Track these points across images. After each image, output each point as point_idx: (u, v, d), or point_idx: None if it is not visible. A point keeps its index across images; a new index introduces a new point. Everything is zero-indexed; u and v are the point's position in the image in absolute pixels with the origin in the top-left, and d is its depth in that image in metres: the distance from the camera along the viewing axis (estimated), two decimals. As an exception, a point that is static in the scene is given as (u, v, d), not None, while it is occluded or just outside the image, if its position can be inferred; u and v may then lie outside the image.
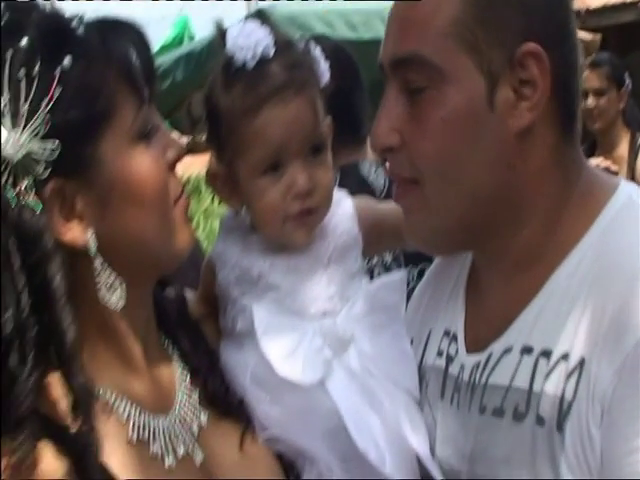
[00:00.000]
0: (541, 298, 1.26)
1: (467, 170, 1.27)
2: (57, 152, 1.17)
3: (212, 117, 1.41)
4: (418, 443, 1.38)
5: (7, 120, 1.15)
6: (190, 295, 1.51)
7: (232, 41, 1.37)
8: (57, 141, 1.17)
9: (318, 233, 1.45)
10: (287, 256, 1.43)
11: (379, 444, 1.35)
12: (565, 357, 1.19)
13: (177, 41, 10.68)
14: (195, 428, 1.33)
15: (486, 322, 1.35)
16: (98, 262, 1.23)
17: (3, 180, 1.16)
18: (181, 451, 1.29)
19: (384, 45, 1.32)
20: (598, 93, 5.10)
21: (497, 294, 1.35)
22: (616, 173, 4.25)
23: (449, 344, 1.41)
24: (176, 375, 1.37)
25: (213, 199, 6.68)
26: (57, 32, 1.20)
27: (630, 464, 1.09)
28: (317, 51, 1.46)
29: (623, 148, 5.09)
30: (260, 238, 1.45)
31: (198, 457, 1.31)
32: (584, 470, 1.14)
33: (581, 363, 1.17)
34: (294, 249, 1.43)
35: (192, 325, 1.44)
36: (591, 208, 1.26)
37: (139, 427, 1.25)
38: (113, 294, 1.25)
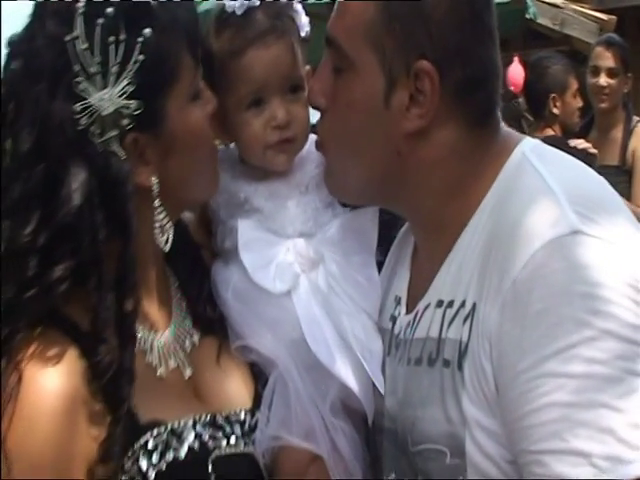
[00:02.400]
0: (452, 256, 1.39)
1: (361, 150, 1.43)
2: (140, 109, 1.37)
3: (205, 61, 1.57)
4: (366, 357, 1.53)
5: (99, 80, 1.35)
6: (189, 216, 1.69)
7: None
8: (140, 100, 1.36)
9: (297, 163, 1.66)
10: (269, 183, 1.62)
11: (330, 348, 1.53)
12: (463, 304, 1.33)
13: None
14: (187, 345, 1.54)
15: (418, 284, 1.50)
16: (157, 202, 1.44)
17: (93, 131, 1.36)
18: (172, 364, 1.49)
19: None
20: (612, 73, 5.26)
21: (424, 257, 1.51)
22: (594, 155, 4.39)
23: (395, 307, 1.56)
24: (174, 299, 1.57)
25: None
26: (137, 5, 1.38)
27: (519, 385, 1.20)
28: (299, 6, 1.66)
29: (618, 130, 5.26)
30: (246, 167, 1.65)
31: (187, 371, 1.51)
32: (481, 399, 1.26)
33: (473, 307, 1.30)
34: (276, 177, 1.63)
35: (192, 250, 1.64)
36: (491, 175, 1.37)
37: (140, 339, 1.45)
38: (164, 235, 1.46)
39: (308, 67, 1.67)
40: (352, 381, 1.53)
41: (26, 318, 1.32)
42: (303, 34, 1.65)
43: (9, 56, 1.39)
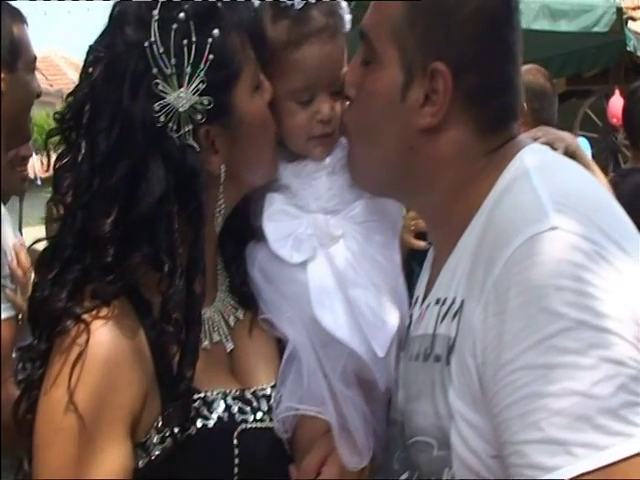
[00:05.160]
0: (453, 255, 1.44)
1: (377, 139, 1.49)
2: (212, 104, 1.49)
3: (256, 42, 1.60)
4: (378, 326, 1.58)
5: (174, 80, 1.47)
6: None
7: None
8: (211, 97, 1.49)
9: None
10: (299, 162, 1.69)
11: (337, 314, 1.58)
12: (454, 301, 1.38)
13: None
14: (232, 320, 1.64)
15: (430, 283, 1.54)
16: (221, 188, 1.56)
17: (170, 128, 1.48)
18: (216, 337, 1.60)
19: None
20: None
21: (437, 256, 1.55)
22: None
23: (414, 307, 1.60)
24: (220, 276, 1.67)
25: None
26: (205, 8, 1.51)
27: (501, 378, 1.22)
28: (344, 3, 1.74)
29: None
30: (279, 148, 1.69)
31: (229, 345, 1.62)
32: (466, 395, 1.30)
33: (462, 304, 1.35)
34: (306, 158, 1.70)
35: (239, 230, 1.69)
36: (494, 178, 1.41)
37: None
38: (220, 218, 1.58)
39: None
40: (358, 346, 1.57)
41: (104, 299, 1.45)
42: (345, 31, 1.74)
43: (88, 63, 1.52)
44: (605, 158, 8.49)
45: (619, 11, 7.28)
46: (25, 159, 3.62)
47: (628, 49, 7.72)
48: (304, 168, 1.70)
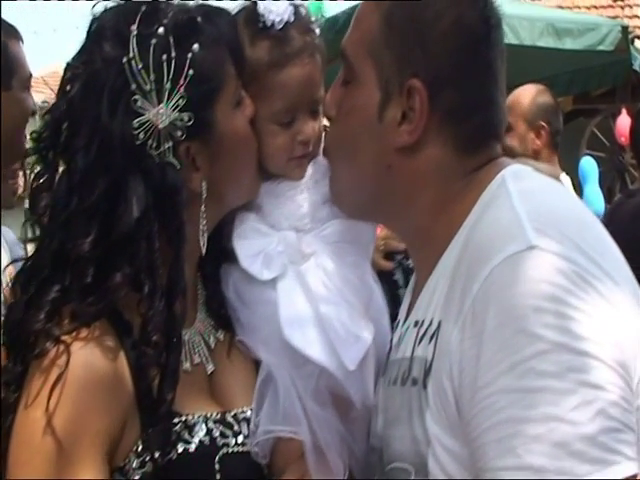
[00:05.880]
0: (432, 276, 1.40)
1: (355, 160, 1.48)
2: (192, 120, 1.46)
3: (237, 57, 1.56)
4: (351, 342, 1.56)
5: (154, 96, 1.45)
6: None
7: (264, 4, 1.63)
8: (191, 113, 1.46)
9: None
10: (272, 182, 1.67)
11: (307, 332, 1.56)
12: (431, 323, 1.35)
13: None
14: (212, 342, 1.61)
15: (410, 305, 1.51)
16: (203, 207, 1.53)
17: (150, 145, 1.45)
18: (196, 359, 1.57)
19: None
20: None
21: (418, 279, 1.52)
22: None
23: (394, 331, 1.57)
24: (199, 299, 1.64)
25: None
26: (186, 22, 1.49)
27: (478, 402, 1.19)
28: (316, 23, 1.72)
29: None
30: None
31: (209, 367, 1.58)
32: (443, 419, 1.27)
33: (439, 326, 1.32)
34: (275, 176, 1.67)
35: (218, 251, 1.66)
36: (474, 197, 1.38)
37: None
38: (203, 238, 1.54)
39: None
40: (328, 362, 1.55)
41: (84, 321, 1.41)
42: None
43: (65, 81, 1.49)
44: (612, 178, 8.45)
45: (624, 30, 7.26)
46: (15, 172, 3.61)
47: (634, 68, 7.70)
48: (276, 187, 1.67)
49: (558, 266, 1.21)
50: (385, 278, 1.80)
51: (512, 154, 4.04)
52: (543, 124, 4.19)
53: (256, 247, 1.63)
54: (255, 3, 1.63)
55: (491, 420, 1.18)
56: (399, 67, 1.41)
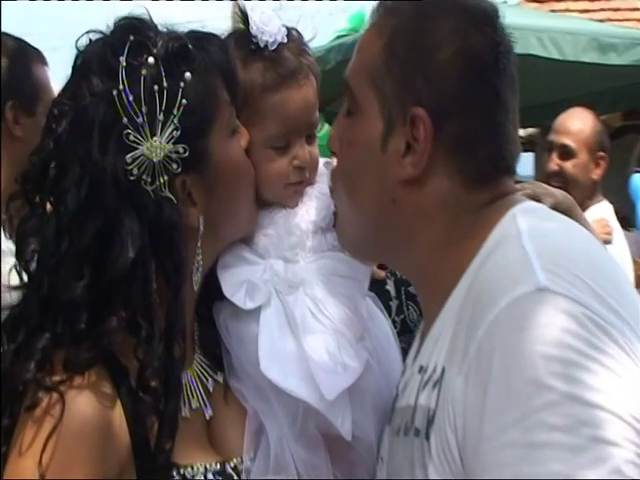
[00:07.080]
0: (439, 319, 1.32)
1: (359, 194, 1.40)
2: (187, 153, 1.38)
3: (230, 83, 1.50)
4: (338, 371, 1.47)
5: (147, 129, 1.37)
6: None
7: (256, 25, 1.57)
8: (186, 144, 1.38)
9: None
10: (261, 210, 1.59)
11: (285, 366, 1.47)
12: (435, 369, 1.26)
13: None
14: (210, 385, 1.53)
15: (417, 351, 1.42)
16: (199, 243, 1.45)
17: (144, 180, 1.38)
18: (195, 404, 1.49)
19: None
20: None
21: (425, 322, 1.43)
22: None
23: (400, 378, 1.49)
24: (197, 338, 1.56)
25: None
26: (176, 50, 1.41)
27: (483, 455, 1.10)
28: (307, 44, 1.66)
29: None
30: None
31: (208, 412, 1.50)
32: (447, 472, 1.18)
33: (442, 372, 1.23)
34: (261, 206, 1.60)
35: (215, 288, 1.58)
36: (483, 236, 1.30)
37: None
38: (197, 275, 1.46)
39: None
40: (307, 394, 1.46)
41: (77, 370, 1.33)
42: None
43: (51, 119, 1.42)
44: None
45: (671, 44, 7.06)
46: None
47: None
48: (267, 215, 1.60)
49: (569, 310, 1.10)
50: (377, 288, 1.73)
51: (573, 182, 3.89)
52: (603, 154, 4.03)
53: (241, 276, 1.55)
54: (247, 25, 1.57)
55: (497, 476, 1.07)
56: (401, 96, 1.33)
